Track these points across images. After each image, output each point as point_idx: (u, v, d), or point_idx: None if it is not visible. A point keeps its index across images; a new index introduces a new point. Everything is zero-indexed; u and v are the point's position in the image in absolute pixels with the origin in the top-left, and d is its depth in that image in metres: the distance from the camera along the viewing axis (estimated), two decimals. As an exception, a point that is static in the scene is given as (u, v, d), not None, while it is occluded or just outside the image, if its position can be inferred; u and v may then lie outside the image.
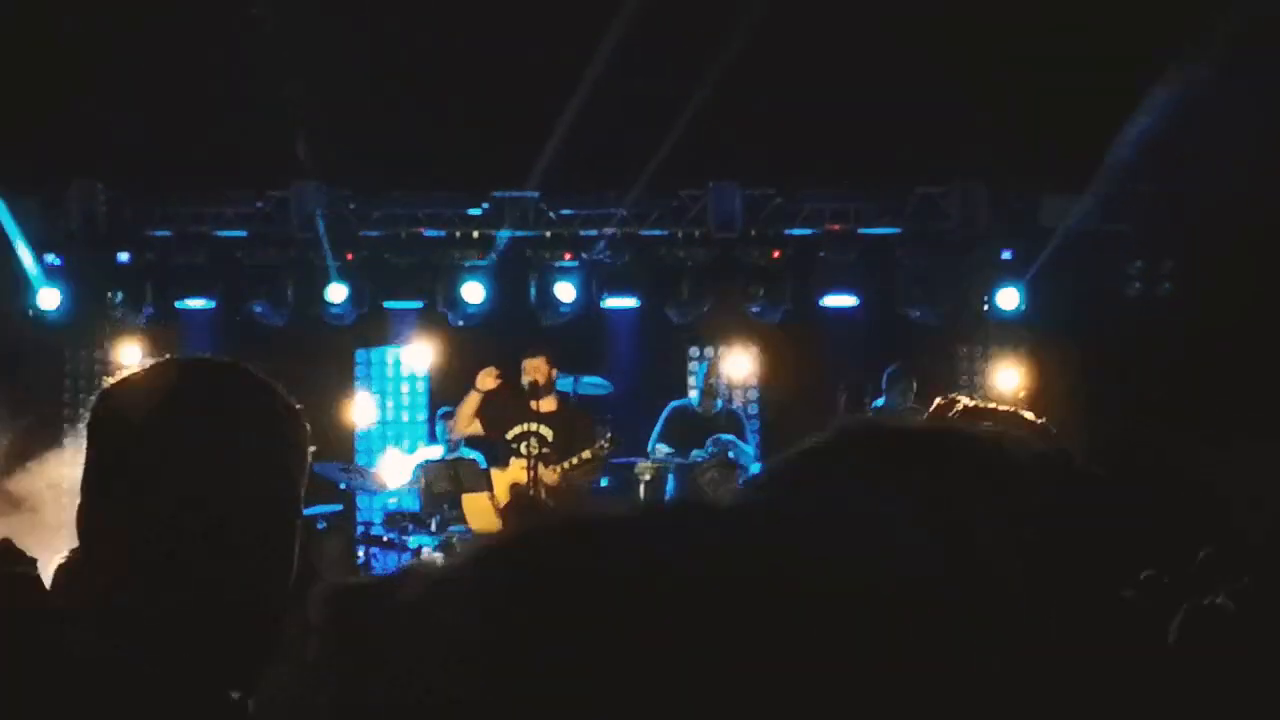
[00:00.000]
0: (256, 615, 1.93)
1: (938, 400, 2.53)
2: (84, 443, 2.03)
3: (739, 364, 14.73)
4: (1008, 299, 14.26)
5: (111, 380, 2.04)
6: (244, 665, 1.84)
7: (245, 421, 1.99)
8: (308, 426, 2.06)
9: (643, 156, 13.59)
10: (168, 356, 2.12)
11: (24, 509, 12.49)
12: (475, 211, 14.49)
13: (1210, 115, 12.57)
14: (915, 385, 13.22)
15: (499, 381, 11.95)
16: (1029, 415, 2.55)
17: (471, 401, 12.06)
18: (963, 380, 14.68)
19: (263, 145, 13.23)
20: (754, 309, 14.52)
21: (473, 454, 12.62)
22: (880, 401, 13.31)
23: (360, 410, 14.65)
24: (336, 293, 14.21)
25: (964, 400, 2.71)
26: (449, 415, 13.11)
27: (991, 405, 3.19)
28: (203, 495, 1.92)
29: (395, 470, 13.61)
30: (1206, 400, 13.32)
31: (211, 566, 1.92)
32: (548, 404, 11.99)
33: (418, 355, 14.86)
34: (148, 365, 2.08)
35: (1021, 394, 14.73)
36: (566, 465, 11.66)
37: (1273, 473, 11.19)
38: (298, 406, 2.06)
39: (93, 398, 2.05)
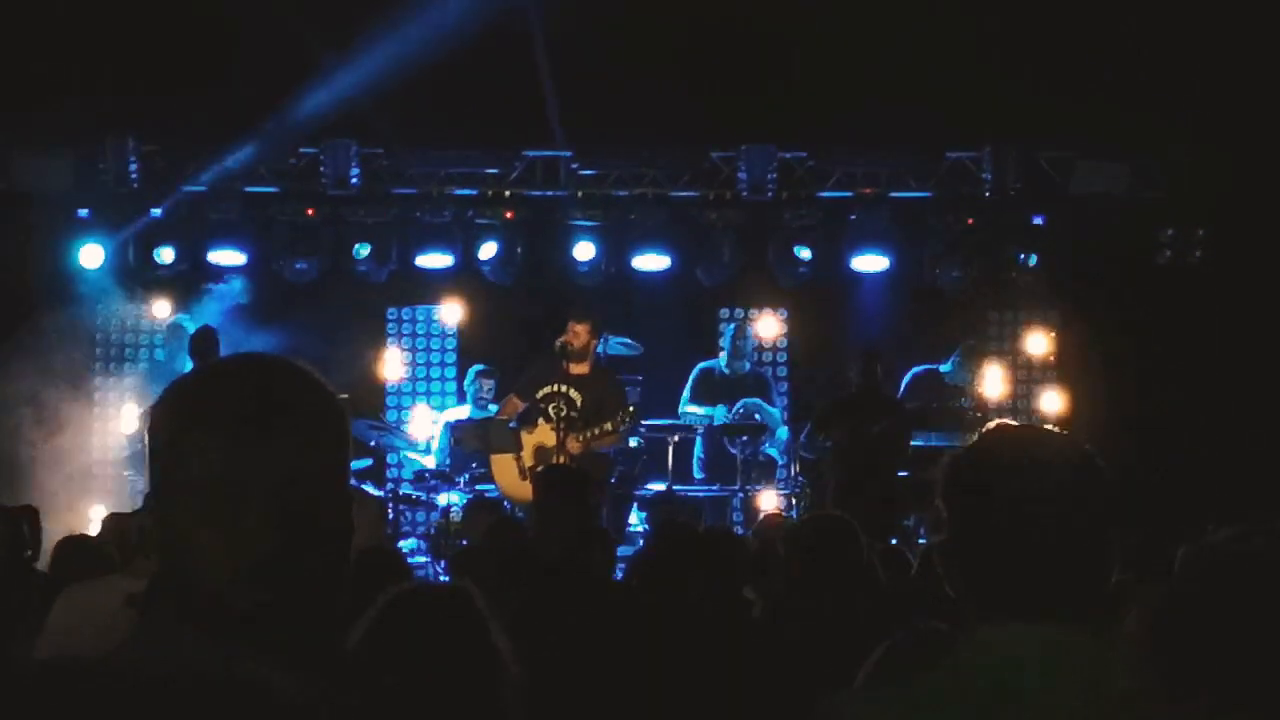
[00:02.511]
0: (338, 590, 2.06)
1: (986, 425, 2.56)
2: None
3: (768, 326, 14.74)
4: (1033, 261, 14.21)
5: (165, 388, 2.08)
6: (326, 635, 2.04)
7: (312, 421, 2.06)
8: (348, 414, 2.14)
9: (675, 118, 13.59)
10: (214, 360, 2.20)
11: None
12: (506, 171, 14.50)
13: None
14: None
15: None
16: (1061, 431, 2.56)
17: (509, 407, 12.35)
18: (992, 346, 14.69)
19: (297, 101, 13.27)
20: (784, 271, 14.51)
21: (502, 413, 12.70)
22: (946, 368, 13.32)
23: (390, 365, 14.75)
24: (363, 251, 14.25)
25: (1005, 421, 2.73)
26: (484, 374, 13.18)
27: (1030, 425, 3.20)
28: (285, 494, 1.99)
29: (423, 427, 13.73)
30: (1237, 369, 13.31)
31: (305, 557, 2.01)
32: (580, 367, 12.06)
33: (449, 314, 14.92)
34: (196, 371, 2.16)
35: (1050, 359, 14.76)
36: (589, 434, 11.72)
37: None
38: (342, 396, 2.14)
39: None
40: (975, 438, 2.46)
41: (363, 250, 14.23)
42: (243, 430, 2.00)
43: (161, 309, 14.34)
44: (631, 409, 11.97)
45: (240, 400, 2.03)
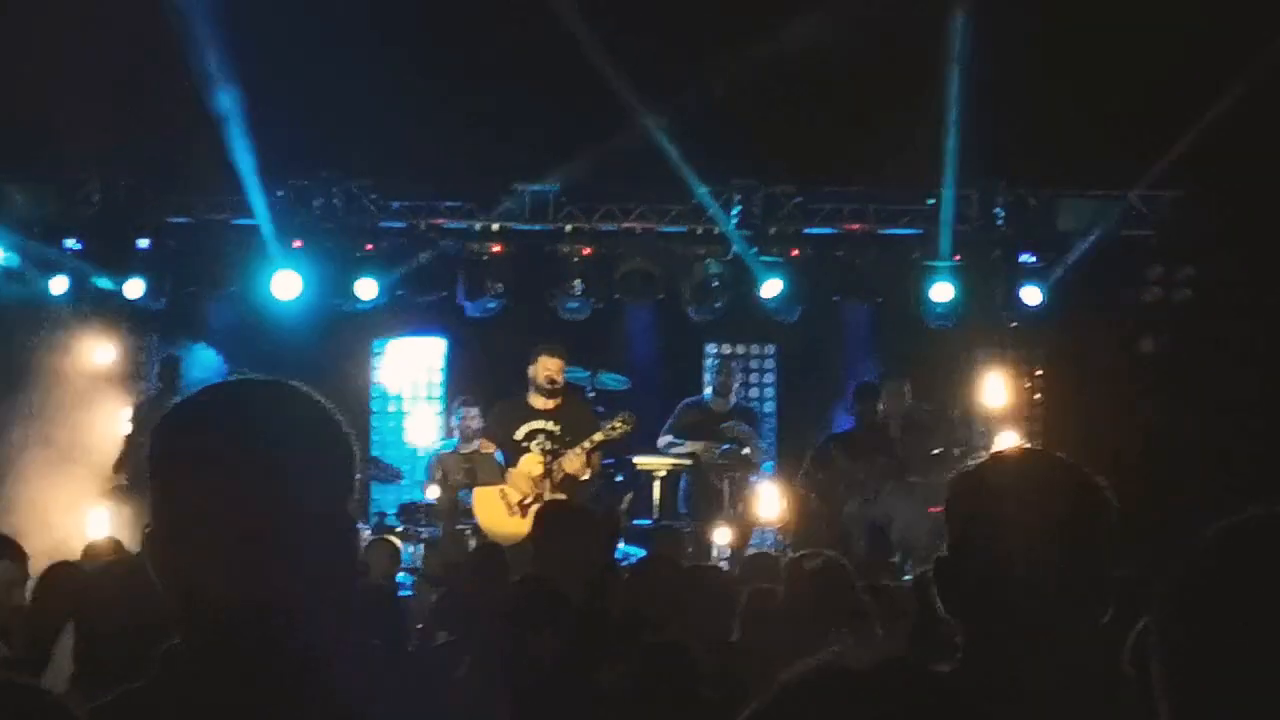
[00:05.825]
0: (344, 611, 2.07)
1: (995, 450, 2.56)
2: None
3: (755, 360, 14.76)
4: (1030, 297, 14.18)
5: (167, 412, 2.07)
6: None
7: (316, 441, 2.06)
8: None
9: (663, 153, 13.59)
10: (215, 382, 2.19)
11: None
12: (495, 205, 14.47)
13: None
14: (909, 387, 13.15)
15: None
16: (1069, 460, 2.54)
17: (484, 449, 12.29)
18: (976, 383, 14.66)
19: (287, 134, 13.25)
20: (770, 307, 14.50)
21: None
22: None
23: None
24: (365, 287, 14.15)
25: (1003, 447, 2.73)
26: (465, 404, 13.13)
27: (1040, 450, 3.19)
28: (289, 515, 1.98)
29: (425, 429, 13.67)
30: (1226, 406, 13.30)
31: (310, 578, 1.99)
32: (553, 400, 12.04)
33: (434, 348, 14.93)
34: (198, 393, 2.12)
35: (1036, 398, 14.75)
36: (588, 444, 11.73)
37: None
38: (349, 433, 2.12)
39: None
40: (984, 458, 2.47)
41: (360, 288, 14.16)
42: (245, 452, 1.98)
43: (145, 341, 14.29)
44: (624, 415, 12.00)
45: (243, 422, 2.01)
